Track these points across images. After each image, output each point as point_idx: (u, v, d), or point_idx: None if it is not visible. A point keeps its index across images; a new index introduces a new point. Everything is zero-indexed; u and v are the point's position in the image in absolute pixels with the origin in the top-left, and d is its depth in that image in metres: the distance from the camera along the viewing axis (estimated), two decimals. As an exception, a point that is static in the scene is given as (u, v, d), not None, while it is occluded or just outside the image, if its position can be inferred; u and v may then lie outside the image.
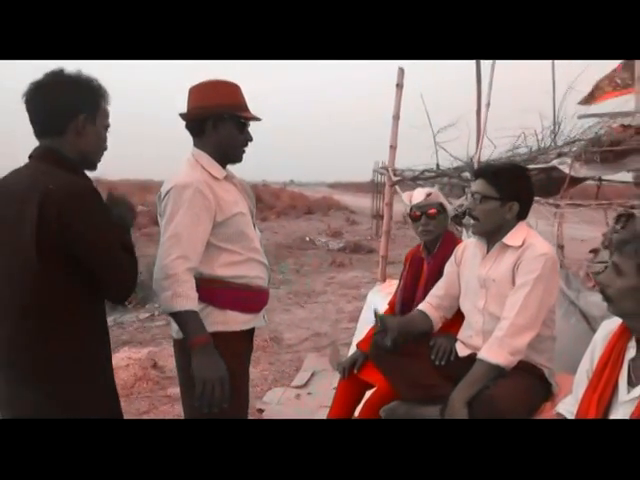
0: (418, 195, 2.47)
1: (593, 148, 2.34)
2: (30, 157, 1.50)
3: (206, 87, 1.83)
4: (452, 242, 2.46)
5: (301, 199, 25.41)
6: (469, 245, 2.21)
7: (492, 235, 2.04)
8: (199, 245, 1.72)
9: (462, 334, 2.15)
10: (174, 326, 1.81)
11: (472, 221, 2.04)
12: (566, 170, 2.69)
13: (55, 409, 1.39)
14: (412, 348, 2.19)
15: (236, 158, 1.92)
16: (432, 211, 2.42)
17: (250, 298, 1.86)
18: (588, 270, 4.19)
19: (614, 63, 4.43)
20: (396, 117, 4.47)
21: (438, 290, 2.27)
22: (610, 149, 2.27)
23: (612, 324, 1.57)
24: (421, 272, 2.57)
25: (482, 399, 1.77)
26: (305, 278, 8.14)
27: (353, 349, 3.76)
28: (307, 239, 12.21)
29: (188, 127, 1.87)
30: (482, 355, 1.87)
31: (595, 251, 4.80)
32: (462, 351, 2.11)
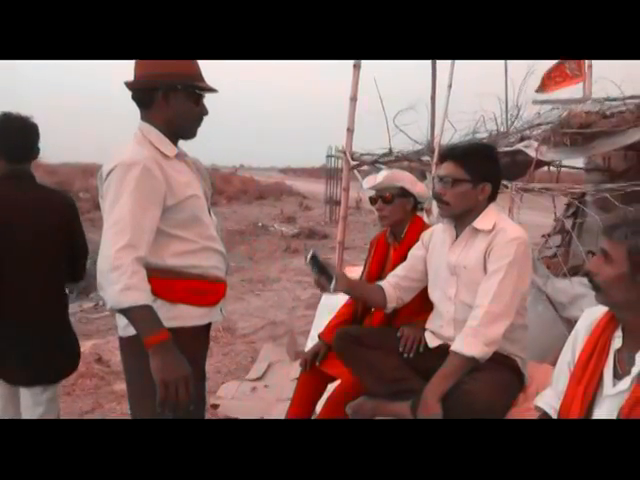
0: (372, 178, 2.34)
1: (563, 130, 2.27)
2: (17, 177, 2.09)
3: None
4: (420, 227, 2.35)
5: (252, 184, 24.98)
6: (437, 230, 2.10)
7: (461, 219, 1.93)
8: (148, 232, 1.52)
9: (431, 324, 2.04)
10: (120, 322, 1.61)
11: (441, 205, 1.93)
12: (532, 153, 2.63)
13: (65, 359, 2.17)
14: (379, 339, 2.08)
15: (189, 134, 1.72)
16: (387, 195, 2.29)
17: (205, 290, 1.67)
18: (539, 255, 4.23)
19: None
20: (353, 99, 4.31)
21: (399, 270, 2.15)
22: (580, 131, 2.20)
23: (595, 313, 1.49)
24: (387, 258, 2.46)
25: (457, 394, 1.67)
26: (259, 265, 7.94)
27: (312, 338, 3.65)
28: (260, 225, 11.97)
29: (135, 98, 1.66)
30: (456, 347, 1.76)
31: (547, 236, 4.86)
32: (432, 342, 2.00)
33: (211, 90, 1.69)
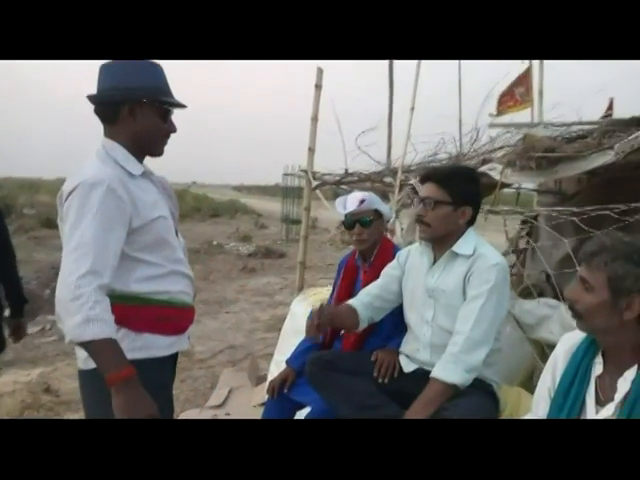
0: (352, 202, 2.31)
1: (528, 154, 2.31)
2: None
3: (123, 65, 1.52)
4: (390, 249, 2.33)
5: (206, 201, 24.59)
6: (414, 252, 2.08)
7: (440, 242, 1.91)
8: (112, 257, 1.41)
9: (407, 348, 2.00)
10: (81, 354, 1.48)
11: (422, 226, 1.90)
12: (496, 176, 2.66)
13: None
14: (352, 364, 2.02)
15: (156, 151, 1.62)
16: (366, 219, 2.27)
17: (173, 317, 1.57)
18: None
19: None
20: (314, 119, 4.32)
21: (372, 288, 2.11)
22: (545, 155, 2.25)
23: (574, 338, 1.48)
24: (356, 280, 2.42)
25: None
26: (215, 285, 7.75)
27: (275, 362, 3.54)
28: (215, 243, 11.74)
29: (98, 112, 1.55)
30: (437, 374, 1.73)
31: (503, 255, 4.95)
32: (407, 366, 1.96)
33: (180, 105, 1.61)
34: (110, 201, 1.41)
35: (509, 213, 2.51)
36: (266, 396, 3.32)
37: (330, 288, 3.75)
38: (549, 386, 1.49)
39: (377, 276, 2.24)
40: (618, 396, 1.31)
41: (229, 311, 6.27)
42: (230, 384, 3.81)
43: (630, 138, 2.02)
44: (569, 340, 1.50)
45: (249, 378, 3.84)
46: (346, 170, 4.32)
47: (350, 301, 2.11)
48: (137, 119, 1.53)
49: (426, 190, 1.89)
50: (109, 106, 1.53)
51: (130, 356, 1.42)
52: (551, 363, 1.52)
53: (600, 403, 1.36)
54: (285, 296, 6.83)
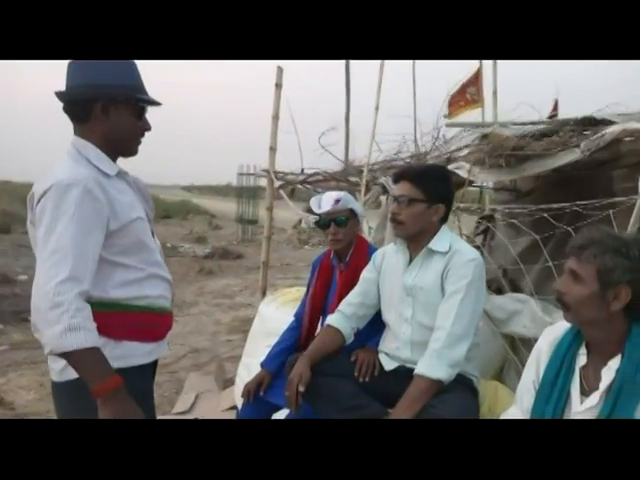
0: (326, 202, 2.29)
1: (497, 152, 2.36)
2: None
3: (94, 62, 1.44)
4: (365, 248, 2.33)
5: (157, 202, 23.64)
6: (389, 252, 2.08)
7: (415, 240, 1.93)
8: (91, 261, 1.33)
9: (387, 346, 2.00)
10: (55, 365, 1.40)
11: (396, 225, 1.91)
12: (464, 174, 2.71)
13: None
14: (333, 365, 2.00)
15: (130, 151, 1.55)
16: (342, 218, 2.25)
17: (153, 324, 1.51)
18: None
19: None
20: (275, 117, 4.31)
21: (354, 297, 2.10)
22: (514, 154, 2.31)
23: (556, 331, 1.52)
24: (331, 280, 2.40)
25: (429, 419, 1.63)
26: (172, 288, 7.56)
27: (244, 365, 3.47)
28: (169, 245, 11.47)
29: (68, 110, 1.47)
30: (421, 370, 1.73)
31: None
32: (388, 365, 1.97)
33: (154, 103, 1.55)
34: (87, 203, 1.34)
35: (468, 211, 2.55)
36: (235, 400, 3.27)
37: (296, 288, 3.74)
38: (533, 378, 1.52)
39: (353, 275, 2.24)
40: (602, 385, 1.35)
41: (189, 314, 6.14)
42: (196, 389, 3.72)
43: (596, 137, 2.10)
44: (552, 333, 1.53)
45: (216, 382, 3.76)
46: (302, 170, 4.33)
47: (332, 319, 2.08)
48: (111, 117, 1.46)
49: (400, 189, 1.90)
50: (80, 104, 1.45)
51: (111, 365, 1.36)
52: (534, 356, 1.55)
53: (585, 393, 1.40)
54: (245, 297, 6.76)
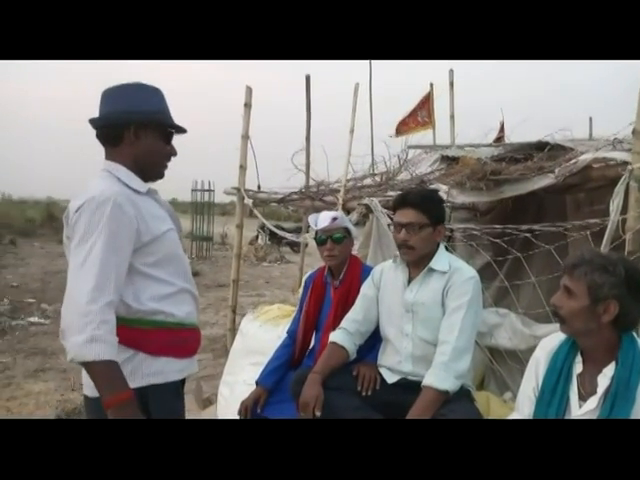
0: (324, 220, 2.39)
1: (477, 175, 2.54)
2: None
3: (127, 89, 1.53)
4: (359, 266, 2.44)
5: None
6: (387, 269, 2.20)
7: (418, 260, 2.05)
8: (121, 274, 1.40)
9: (387, 360, 2.10)
10: (88, 380, 1.42)
11: (406, 250, 2.01)
12: (443, 196, 2.87)
13: None
14: (336, 380, 2.08)
15: (157, 174, 1.62)
16: (339, 236, 2.36)
17: (186, 339, 1.56)
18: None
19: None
20: (245, 136, 4.41)
21: (356, 314, 2.20)
22: (495, 178, 2.49)
23: (552, 342, 1.67)
24: (325, 297, 2.49)
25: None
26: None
27: (225, 383, 3.46)
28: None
29: (101, 135, 1.53)
30: (430, 382, 1.84)
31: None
32: (390, 378, 2.07)
33: (181, 130, 1.62)
34: (117, 217, 1.40)
35: (464, 230, 2.72)
36: (220, 418, 3.25)
37: (277, 306, 3.79)
38: (533, 386, 1.66)
39: (348, 293, 2.34)
40: (600, 390, 1.51)
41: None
42: (174, 409, 3.66)
43: (569, 163, 2.31)
44: (548, 344, 1.69)
45: (195, 401, 3.73)
46: (258, 186, 4.45)
47: (336, 336, 2.16)
48: (141, 141, 1.53)
49: (405, 215, 2.00)
50: (113, 128, 1.51)
51: (148, 381, 1.42)
52: (532, 366, 1.70)
53: (582, 398, 1.55)
54: (210, 316, 6.69)
